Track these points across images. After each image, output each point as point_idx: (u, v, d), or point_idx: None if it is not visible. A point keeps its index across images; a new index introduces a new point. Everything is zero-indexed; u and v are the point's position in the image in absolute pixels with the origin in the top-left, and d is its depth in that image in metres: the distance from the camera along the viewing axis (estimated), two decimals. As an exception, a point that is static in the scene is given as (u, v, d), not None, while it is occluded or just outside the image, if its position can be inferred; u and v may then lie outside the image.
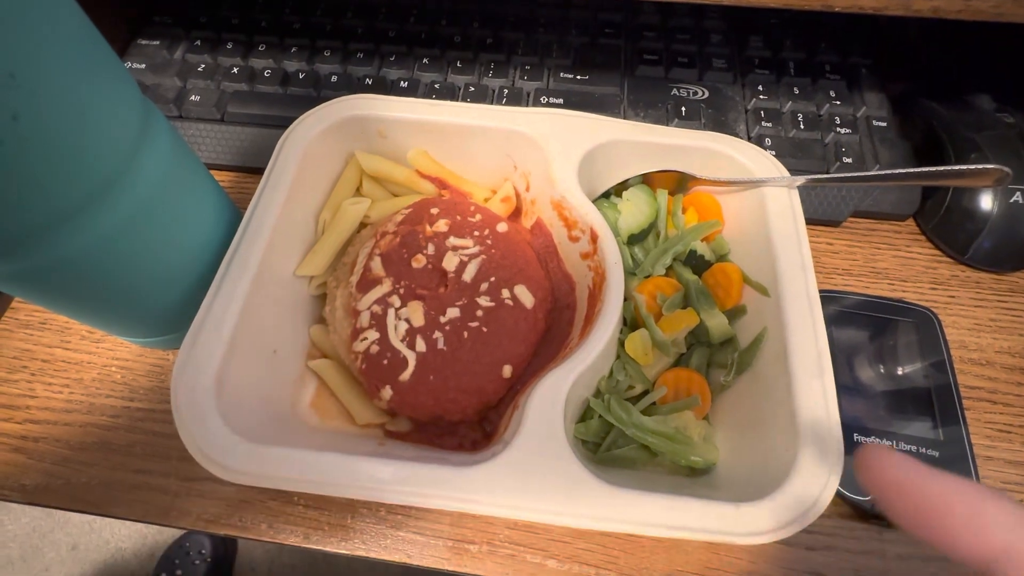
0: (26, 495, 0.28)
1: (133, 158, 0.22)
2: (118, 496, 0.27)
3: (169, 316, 0.28)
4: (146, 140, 0.23)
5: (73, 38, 0.19)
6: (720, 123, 0.37)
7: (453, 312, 0.26)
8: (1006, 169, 0.23)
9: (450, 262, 0.27)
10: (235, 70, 0.39)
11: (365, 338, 0.26)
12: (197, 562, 0.82)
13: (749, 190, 0.29)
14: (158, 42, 0.40)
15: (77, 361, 0.31)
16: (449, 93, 0.38)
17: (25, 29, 0.17)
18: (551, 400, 0.23)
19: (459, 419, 0.26)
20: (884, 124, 0.36)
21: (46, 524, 0.92)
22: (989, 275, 0.34)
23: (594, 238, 0.27)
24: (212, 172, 0.34)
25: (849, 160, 0.34)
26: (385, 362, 0.25)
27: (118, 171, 0.21)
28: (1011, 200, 0.32)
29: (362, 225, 0.32)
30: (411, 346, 0.25)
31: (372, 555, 0.26)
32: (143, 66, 0.39)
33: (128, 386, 0.30)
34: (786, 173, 0.29)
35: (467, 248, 0.28)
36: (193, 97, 0.38)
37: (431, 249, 0.28)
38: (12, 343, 0.32)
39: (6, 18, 0.16)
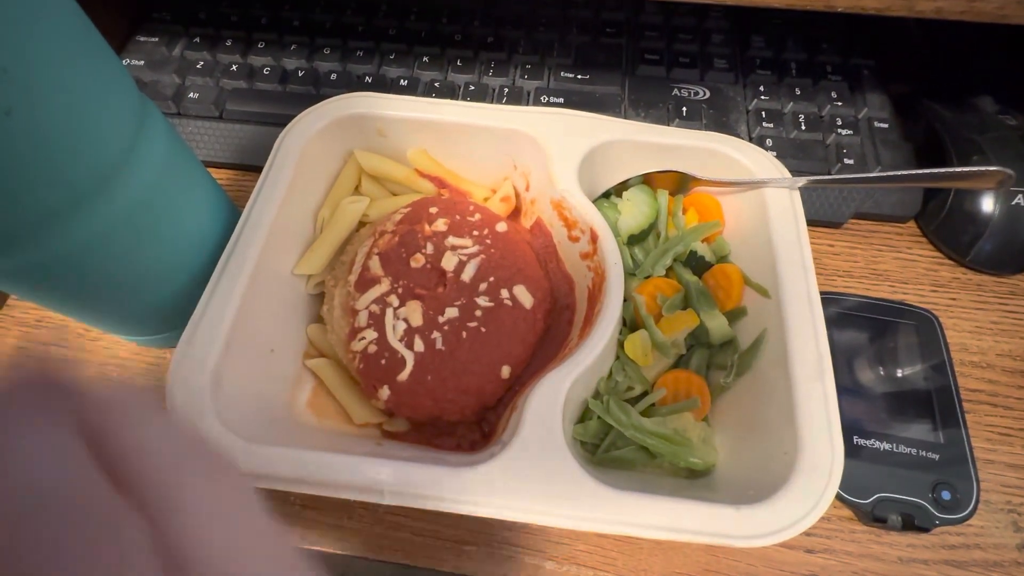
0: (21, 494, 0.27)
1: (129, 154, 0.22)
2: (114, 495, 0.27)
3: (165, 314, 0.28)
4: (142, 136, 0.22)
5: (67, 33, 0.19)
6: (721, 123, 0.36)
7: (452, 312, 0.26)
8: (1008, 171, 0.23)
9: (449, 262, 0.27)
10: (234, 67, 0.39)
11: (363, 338, 0.26)
12: (194, 560, 0.82)
13: (750, 191, 0.29)
14: (156, 39, 0.40)
15: (74, 359, 0.31)
16: (449, 92, 0.38)
17: (17, 23, 0.17)
18: (550, 401, 0.23)
19: (457, 419, 0.26)
20: (886, 125, 0.36)
21: (43, 522, 0.92)
22: (990, 277, 0.34)
23: (594, 238, 0.27)
24: (210, 170, 0.34)
25: (851, 161, 0.34)
26: (383, 362, 0.25)
27: (114, 167, 0.21)
28: (1013, 202, 0.32)
29: (361, 224, 0.31)
30: (409, 346, 0.25)
31: (370, 556, 0.26)
32: (141, 63, 0.39)
33: (125, 384, 0.30)
34: (787, 174, 0.28)
35: (466, 248, 0.28)
36: (192, 94, 0.38)
37: (430, 248, 0.27)
38: (8, 341, 0.31)
39: (-1, 12, 0.16)
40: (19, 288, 0.23)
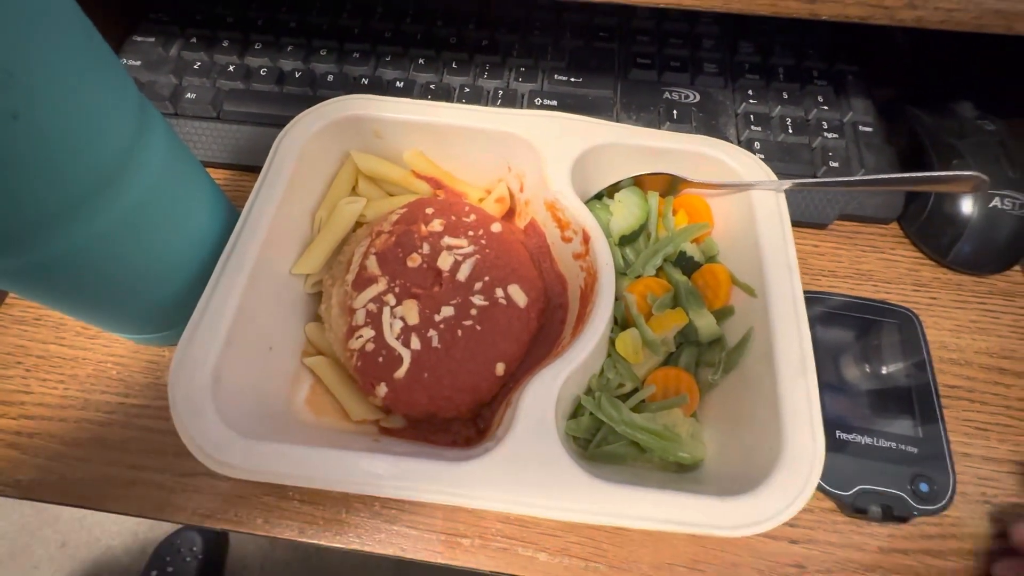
0: (21, 490, 0.28)
1: (130, 156, 0.22)
2: (113, 491, 0.28)
3: (165, 313, 0.28)
4: (143, 138, 0.23)
5: (70, 36, 0.19)
6: (711, 127, 0.37)
7: (447, 311, 0.26)
8: (983, 176, 0.24)
9: (445, 261, 0.28)
10: (231, 68, 0.39)
11: (360, 336, 0.26)
12: (188, 559, 0.82)
13: (738, 193, 0.30)
14: (153, 39, 0.40)
15: (72, 357, 0.31)
16: (444, 94, 0.38)
17: (23, 27, 0.17)
18: (543, 397, 0.23)
19: (453, 416, 0.27)
20: (870, 129, 0.37)
21: (35, 521, 0.91)
22: (969, 277, 0.35)
23: (586, 239, 0.28)
24: (208, 170, 0.34)
25: (836, 164, 0.35)
26: (380, 360, 0.26)
27: (115, 169, 0.22)
28: (990, 205, 0.33)
29: (358, 224, 0.32)
30: (406, 344, 0.26)
31: (366, 549, 0.27)
32: (138, 63, 0.39)
33: (124, 382, 0.30)
34: (774, 177, 0.29)
35: (461, 248, 0.28)
36: (189, 95, 0.38)
37: (426, 248, 0.28)
38: (7, 339, 0.32)
39: (3, 16, 0.16)
40: (19, 287, 0.23)
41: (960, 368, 0.32)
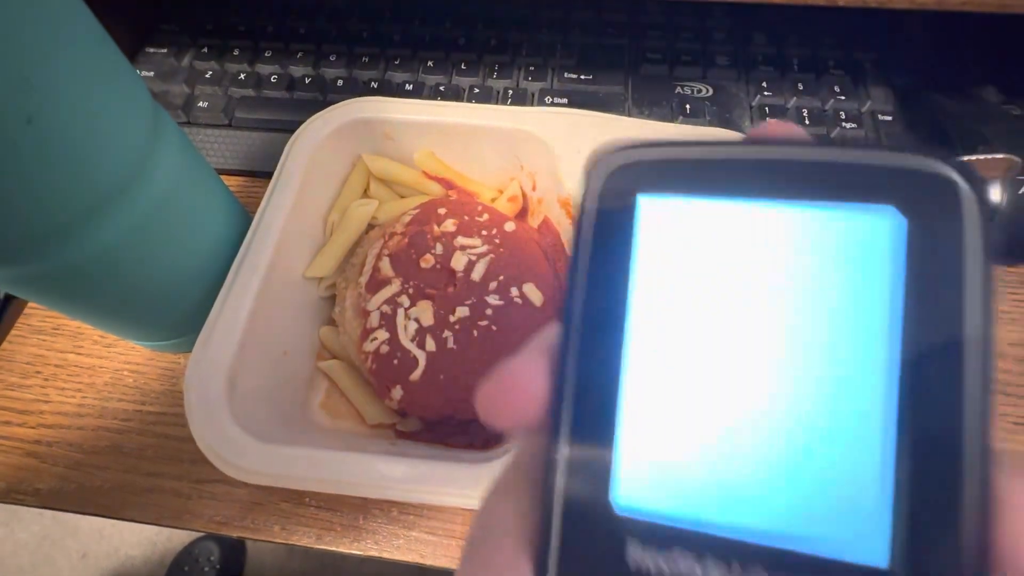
0: (40, 499, 0.28)
1: (144, 162, 0.22)
2: (131, 499, 0.27)
3: (180, 319, 0.28)
4: (157, 144, 0.23)
5: (86, 43, 0.19)
6: (725, 120, 0.37)
7: (462, 311, 0.26)
8: (1015, 158, 0.23)
9: (458, 262, 0.27)
10: (242, 76, 0.39)
11: (375, 338, 0.26)
12: (206, 568, 0.82)
13: (756, 185, 0.29)
14: (165, 50, 0.41)
15: (89, 366, 0.31)
16: (454, 95, 0.38)
17: (40, 34, 0.17)
18: (562, 397, 0.23)
19: (470, 418, 0.26)
20: (890, 118, 0.36)
21: (56, 532, 0.92)
22: (999, 267, 0.33)
23: (602, 235, 0.27)
24: (221, 177, 0.34)
25: (855, 154, 0.34)
26: (395, 362, 0.25)
27: (130, 175, 0.22)
28: (1020, 191, 0.31)
29: (370, 226, 0.32)
30: (421, 346, 0.25)
31: (385, 555, 0.26)
32: (151, 73, 0.40)
33: (140, 390, 0.30)
34: (793, 168, 0.29)
35: (475, 247, 0.28)
36: (201, 103, 0.38)
37: (439, 249, 0.28)
38: (25, 348, 0.32)
39: (21, 22, 0.16)
40: (36, 295, 0.23)
41: (994, 361, 0.30)
